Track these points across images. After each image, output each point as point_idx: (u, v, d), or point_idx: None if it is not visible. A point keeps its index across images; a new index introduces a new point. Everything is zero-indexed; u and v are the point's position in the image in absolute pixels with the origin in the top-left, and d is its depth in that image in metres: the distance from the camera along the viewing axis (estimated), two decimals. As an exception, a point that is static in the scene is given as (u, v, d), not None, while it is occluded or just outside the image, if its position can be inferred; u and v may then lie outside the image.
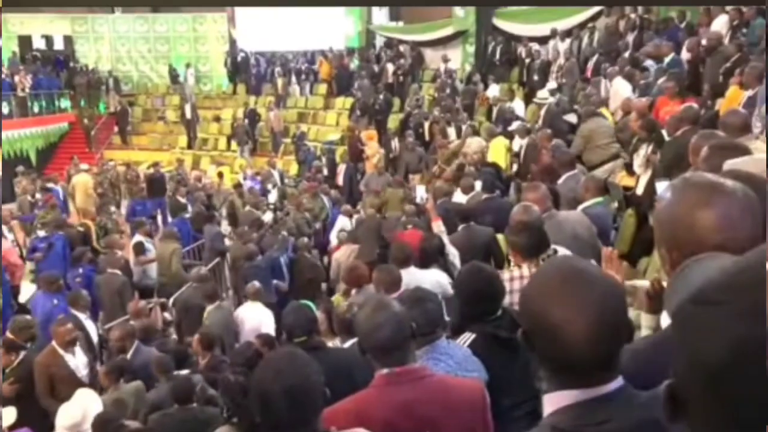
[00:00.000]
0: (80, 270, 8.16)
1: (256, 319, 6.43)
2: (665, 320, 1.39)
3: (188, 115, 19.11)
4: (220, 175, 14.91)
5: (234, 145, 18.27)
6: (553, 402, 1.13)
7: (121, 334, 5.39)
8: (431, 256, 4.89)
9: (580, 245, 3.67)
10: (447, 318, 2.69)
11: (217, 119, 19.66)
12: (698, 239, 1.22)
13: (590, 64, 12.19)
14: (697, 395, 0.73)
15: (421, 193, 8.15)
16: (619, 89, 9.12)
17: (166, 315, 7.27)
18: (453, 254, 5.09)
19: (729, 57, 7.71)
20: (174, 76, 21.01)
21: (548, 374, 1.14)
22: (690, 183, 1.31)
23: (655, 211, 1.31)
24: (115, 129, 20.33)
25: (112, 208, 11.95)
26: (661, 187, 4.50)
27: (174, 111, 20.39)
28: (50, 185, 13.37)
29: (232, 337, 6.25)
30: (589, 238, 4.01)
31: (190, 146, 19.14)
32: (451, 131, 12.15)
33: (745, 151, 2.21)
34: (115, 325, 6.31)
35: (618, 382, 1.11)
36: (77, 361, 5.27)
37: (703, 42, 8.61)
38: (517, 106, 12.76)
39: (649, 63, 9.98)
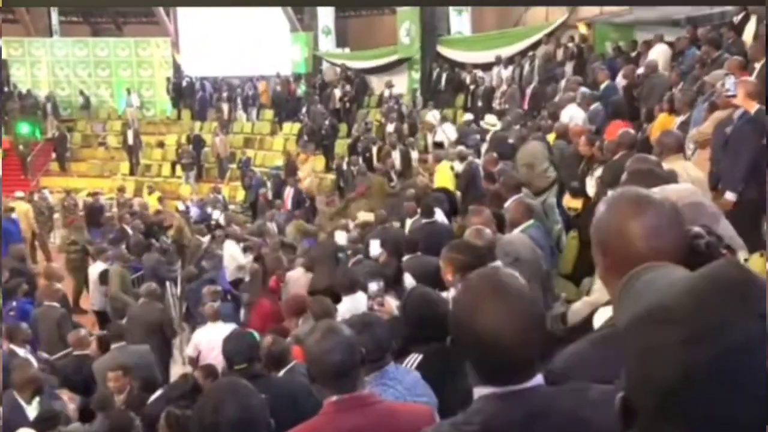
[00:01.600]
0: (14, 303, 7.78)
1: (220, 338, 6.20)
2: (598, 320, 1.44)
3: (130, 141, 18.68)
4: (161, 200, 14.57)
5: (178, 170, 17.94)
6: (477, 394, 1.25)
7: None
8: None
9: (523, 267, 3.73)
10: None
11: (161, 145, 19.27)
12: (627, 246, 1.29)
13: (528, 91, 12.53)
14: (649, 412, 0.74)
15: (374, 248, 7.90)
16: (573, 116, 9.30)
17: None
18: (410, 284, 5.06)
19: (665, 84, 8.06)
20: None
21: (476, 377, 1.24)
22: (622, 194, 1.41)
23: (593, 220, 1.39)
24: (53, 155, 19.67)
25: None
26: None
27: (115, 136, 19.90)
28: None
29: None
30: (532, 260, 4.08)
31: (132, 173, 18.67)
32: (396, 154, 12.32)
33: (660, 177, 2.34)
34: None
35: (537, 380, 1.22)
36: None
37: (640, 70, 8.98)
38: (448, 129, 12.99)
39: (583, 89, 10.28)
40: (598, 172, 6.15)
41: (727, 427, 0.69)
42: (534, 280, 4.01)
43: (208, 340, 6.23)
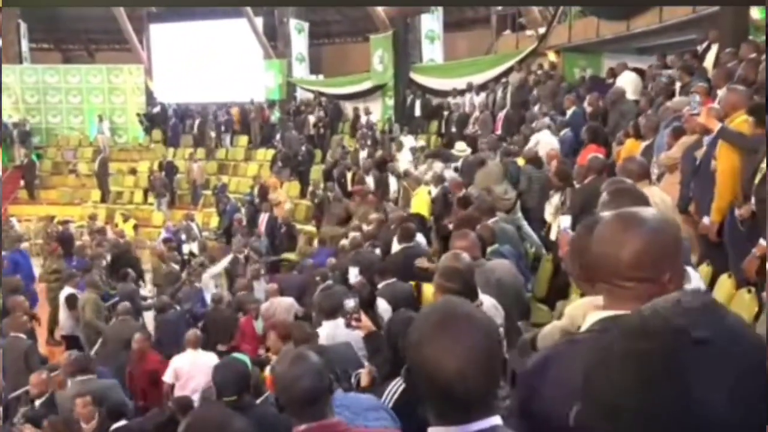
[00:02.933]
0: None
1: (202, 366, 6.05)
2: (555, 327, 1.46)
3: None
4: (136, 227, 14.37)
5: (151, 198, 17.75)
6: None
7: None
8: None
9: (504, 294, 3.75)
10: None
11: (133, 172, 19.07)
12: (614, 259, 1.30)
13: (500, 116, 12.73)
14: (598, 427, 0.78)
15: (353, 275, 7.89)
16: (541, 140, 9.46)
17: None
18: (384, 309, 5.05)
19: (634, 110, 8.25)
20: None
21: (429, 410, 1.20)
22: (616, 214, 1.40)
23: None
24: (21, 183, 19.31)
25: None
26: (564, 221, 4.71)
27: (87, 164, 19.66)
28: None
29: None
30: (514, 287, 4.10)
31: (103, 200, 18.42)
32: (369, 180, 12.38)
33: (641, 197, 2.37)
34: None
35: (488, 422, 1.16)
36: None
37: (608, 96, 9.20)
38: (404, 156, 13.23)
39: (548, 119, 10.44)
40: (555, 198, 6.25)
41: None
42: (514, 307, 4.05)
43: (188, 370, 6.21)
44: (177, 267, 10.39)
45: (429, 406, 1.19)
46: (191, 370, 6.20)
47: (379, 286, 5.39)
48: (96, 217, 15.64)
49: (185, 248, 12.87)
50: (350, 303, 3.23)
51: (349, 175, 13.69)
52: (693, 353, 0.74)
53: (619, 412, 0.76)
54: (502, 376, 1.21)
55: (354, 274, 6.54)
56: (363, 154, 14.46)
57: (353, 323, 3.13)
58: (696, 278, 2.08)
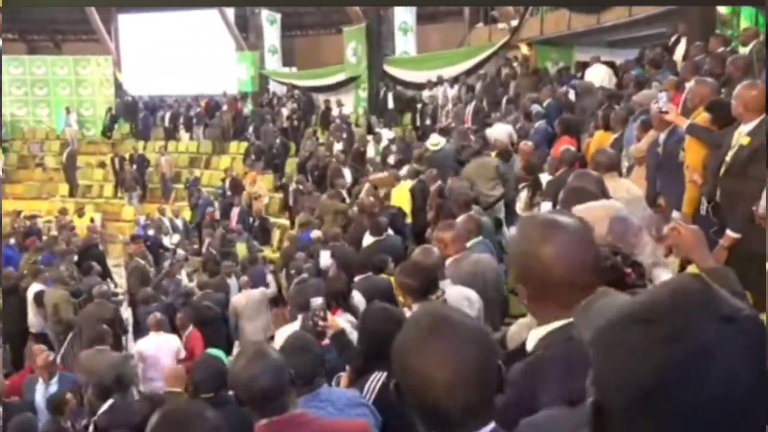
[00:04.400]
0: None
1: (166, 349, 6.47)
2: (530, 342, 1.45)
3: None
4: (92, 220, 14.13)
5: (121, 191, 17.46)
6: None
7: None
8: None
9: (486, 287, 3.77)
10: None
11: (102, 165, 18.73)
12: (544, 272, 1.32)
13: (469, 109, 12.77)
14: (621, 413, 0.76)
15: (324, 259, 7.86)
16: (494, 132, 9.51)
17: None
18: (359, 301, 5.03)
19: (596, 103, 8.35)
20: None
21: (418, 422, 1.14)
22: (531, 221, 1.43)
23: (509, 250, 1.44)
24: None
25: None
26: (545, 208, 4.74)
27: (54, 157, 19.25)
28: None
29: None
30: (495, 281, 4.11)
31: (72, 194, 18.06)
32: (346, 172, 12.33)
33: (594, 195, 2.46)
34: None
35: (485, 430, 1.11)
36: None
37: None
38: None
39: (535, 107, 10.55)
40: (523, 193, 6.29)
41: (696, 426, 0.72)
42: (495, 300, 4.07)
43: (153, 353, 6.47)
44: (144, 263, 10.23)
45: (418, 419, 1.13)
46: (156, 353, 6.42)
47: (356, 279, 5.40)
48: (66, 211, 15.32)
49: (165, 241, 12.75)
50: (316, 302, 3.21)
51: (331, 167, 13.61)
52: (721, 329, 0.73)
53: (652, 396, 0.73)
54: (496, 385, 1.14)
55: (325, 258, 6.55)
56: (338, 146, 14.39)
57: (320, 323, 3.12)
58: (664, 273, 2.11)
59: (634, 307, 0.79)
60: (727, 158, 3.72)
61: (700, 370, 0.72)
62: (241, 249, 11.19)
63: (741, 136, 3.67)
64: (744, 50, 6.59)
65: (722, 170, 3.76)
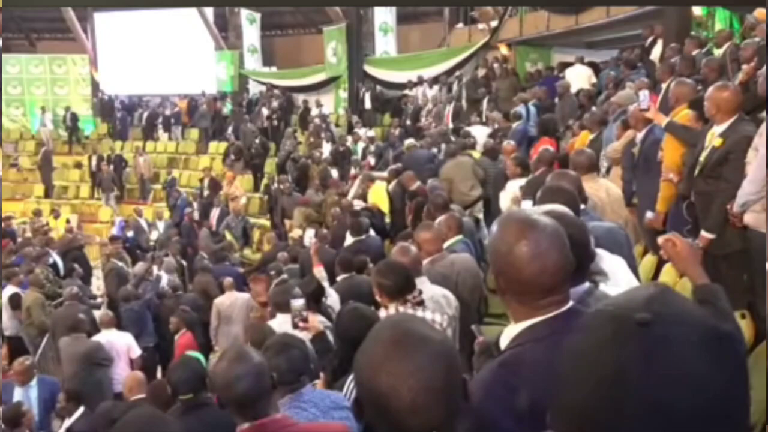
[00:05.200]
0: None
1: (119, 346, 6.72)
2: (504, 340, 1.46)
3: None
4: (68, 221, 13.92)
5: (99, 192, 17.24)
6: None
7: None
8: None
9: (458, 289, 3.76)
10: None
11: (79, 165, 18.47)
12: (515, 268, 1.34)
13: (449, 109, 12.81)
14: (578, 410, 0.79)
15: (310, 235, 8.05)
16: (472, 132, 9.57)
17: None
18: (333, 300, 5.02)
19: (575, 104, 8.44)
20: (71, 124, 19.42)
21: None
22: (508, 219, 1.44)
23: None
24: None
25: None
26: (525, 206, 4.75)
27: (29, 157, 18.93)
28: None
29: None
30: (471, 283, 4.11)
31: (47, 195, 17.78)
32: (334, 172, 12.31)
33: (570, 194, 2.51)
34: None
35: None
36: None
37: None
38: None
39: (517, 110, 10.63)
40: (515, 185, 6.31)
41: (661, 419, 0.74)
42: (472, 301, 4.07)
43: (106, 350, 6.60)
44: (121, 264, 10.12)
45: None
46: (109, 351, 6.53)
47: (338, 279, 5.39)
48: (41, 213, 15.09)
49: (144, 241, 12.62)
50: (297, 303, 3.19)
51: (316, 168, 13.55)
52: (638, 336, 0.75)
53: (582, 413, 0.77)
54: (461, 400, 1.10)
55: (309, 236, 6.52)
56: (327, 147, 14.32)
57: (300, 324, 3.09)
58: (620, 273, 2.12)
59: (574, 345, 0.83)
60: (701, 159, 3.76)
61: (621, 383, 0.75)
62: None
63: (714, 137, 3.71)
64: (718, 52, 6.69)
65: (696, 170, 3.80)
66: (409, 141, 9.88)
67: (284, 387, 2.25)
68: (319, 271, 5.47)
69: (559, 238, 1.36)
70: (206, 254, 10.20)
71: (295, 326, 3.22)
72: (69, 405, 4.83)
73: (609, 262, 2.15)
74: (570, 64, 11.30)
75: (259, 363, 1.94)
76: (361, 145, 13.67)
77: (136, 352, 6.91)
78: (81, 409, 4.80)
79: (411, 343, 1.07)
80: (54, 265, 10.25)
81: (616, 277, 2.05)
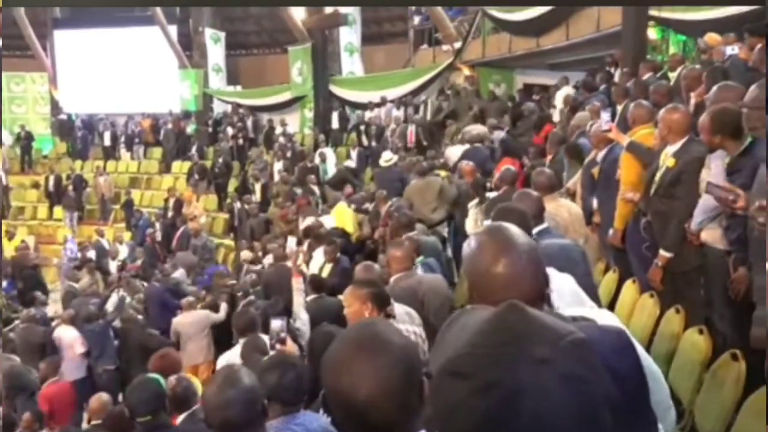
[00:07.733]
0: None
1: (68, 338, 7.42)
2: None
3: (4, 181, 17.38)
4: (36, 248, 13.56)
5: (57, 213, 16.81)
6: None
7: None
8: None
9: (423, 308, 3.76)
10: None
11: (36, 186, 18.00)
12: (490, 288, 1.35)
13: (411, 129, 12.91)
14: None
15: (291, 244, 7.94)
16: (448, 154, 9.65)
17: None
18: (302, 320, 4.97)
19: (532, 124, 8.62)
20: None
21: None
22: (487, 237, 1.44)
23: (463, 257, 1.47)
24: None
25: None
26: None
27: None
28: None
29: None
30: (439, 303, 4.10)
31: (3, 215, 17.26)
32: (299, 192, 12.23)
33: (522, 214, 2.60)
34: None
35: None
36: None
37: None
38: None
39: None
40: (473, 210, 6.38)
41: None
42: (438, 320, 4.05)
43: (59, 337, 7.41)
44: (77, 286, 9.90)
45: (345, 430, 1.16)
46: (62, 338, 7.31)
47: (308, 299, 5.37)
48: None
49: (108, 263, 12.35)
50: (276, 323, 3.16)
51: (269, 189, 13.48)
52: (533, 373, 0.77)
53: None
54: (420, 401, 1.14)
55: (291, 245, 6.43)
56: (278, 165, 14.25)
57: (278, 346, 3.06)
58: (566, 289, 2.15)
59: (455, 361, 0.84)
60: (656, 178, 3.86)
61: (511, 416, 0.76)
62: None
63: (667, 157, 3.81)
64: (673, 75, 6.90)
65: (651, 190, 3.89)
66: (387, 154, 9.86)
67: (284, 407, 2.21)
68: (297, 282, 5.45)
69: (535, 259, 1.38)
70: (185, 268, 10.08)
71: (272, 348, 3.19)
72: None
73: (555, 279, 2.18)
74: (533, 87, 11.55)
75: (250, 388, 1.88)
76: (328, 164, 13.60)
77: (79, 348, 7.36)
78: None
79: (373, 346, 1.14)
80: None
81: (562, 294, 2.07)
